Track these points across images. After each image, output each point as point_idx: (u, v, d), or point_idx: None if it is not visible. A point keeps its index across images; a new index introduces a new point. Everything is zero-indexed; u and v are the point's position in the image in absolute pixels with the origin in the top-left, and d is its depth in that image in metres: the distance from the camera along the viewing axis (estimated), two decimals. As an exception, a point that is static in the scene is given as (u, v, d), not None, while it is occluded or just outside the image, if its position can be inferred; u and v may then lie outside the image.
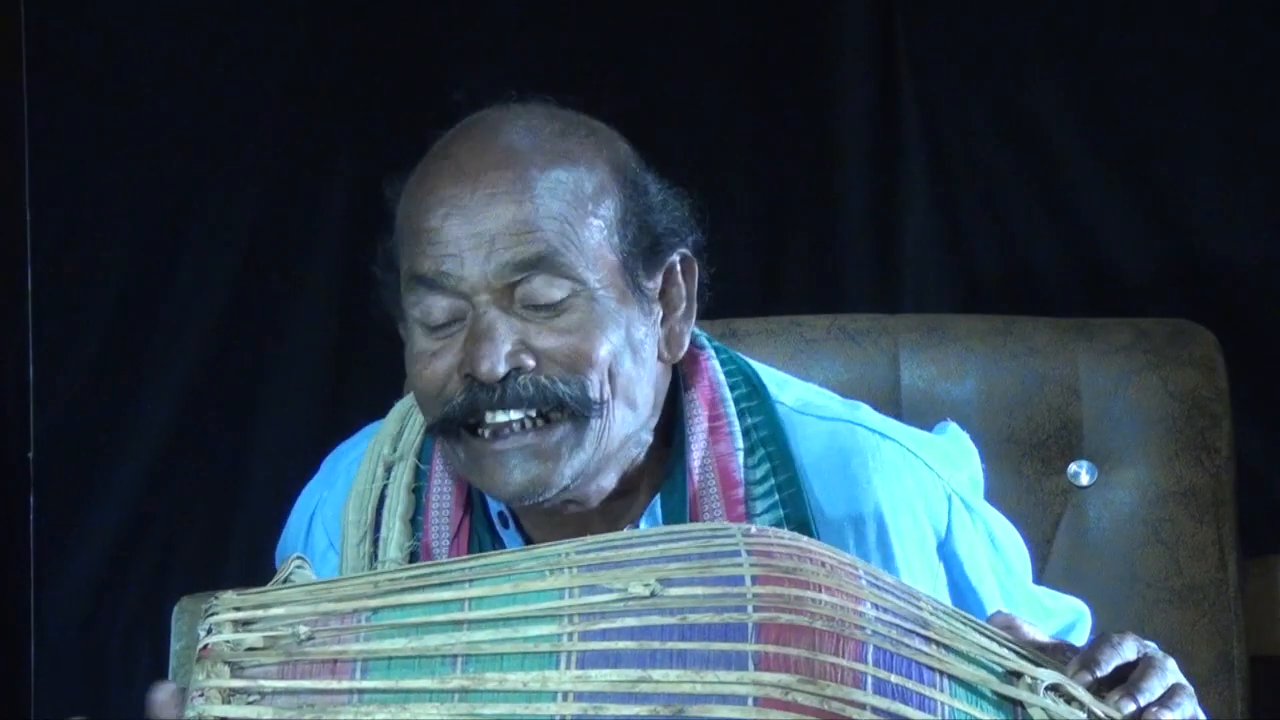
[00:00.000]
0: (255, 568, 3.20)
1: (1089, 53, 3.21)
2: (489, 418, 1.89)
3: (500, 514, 2.01)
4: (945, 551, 2.01)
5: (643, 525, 1.97)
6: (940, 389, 2.58)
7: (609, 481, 1.96)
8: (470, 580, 1.57)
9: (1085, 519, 2.57)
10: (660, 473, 1.99)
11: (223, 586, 1.61)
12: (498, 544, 2.01)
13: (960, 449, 2.10)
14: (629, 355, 1.92)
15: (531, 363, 1.88)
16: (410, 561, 1.99)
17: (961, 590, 2.02)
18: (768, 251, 3.22)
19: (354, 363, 3.34)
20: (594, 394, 1.89)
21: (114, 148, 3.30)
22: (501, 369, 1.87)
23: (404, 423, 2.08)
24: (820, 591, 1.53)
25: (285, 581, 1.62)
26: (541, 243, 1.88)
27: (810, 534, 1.92)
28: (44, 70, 3.29)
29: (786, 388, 2.06)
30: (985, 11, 3.22)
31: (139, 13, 3.29)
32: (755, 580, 1.53)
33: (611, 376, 1.90)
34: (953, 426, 2.13)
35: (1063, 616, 2.08)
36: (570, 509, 1.97)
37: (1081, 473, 2.58)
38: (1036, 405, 2.59)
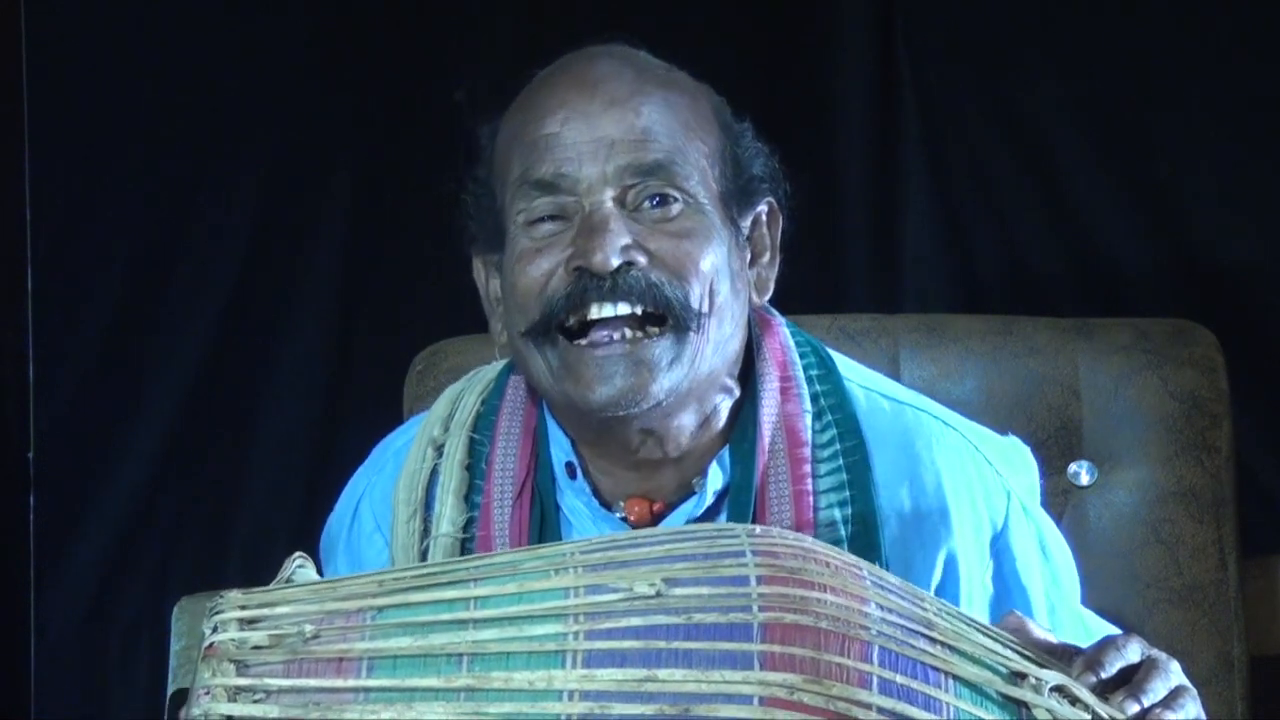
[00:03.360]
0: (255, 568, 3.19)
1: (1089, 53, 3.21)
2: (595, 311, 1.91)
3: (569, 464, 2.02)
4: (999, 546, 2.02)
5: (712, 472, 1.98)
6: (940, 389, 2.58)
7: (689, 421, 1.97)
8: (475, 580, 1.57)
9: (1085, 519, 2.57)
10: (731, 426, 2.01)
11: (223, 586, 1.61)
12: (561, 505, 2.03)
13: (1021, 457, 2.11)
14: (727, 278, 1.95)
15: (643, 260, 1.91)
16: (464, 532, 2.02)
17: (1010, 588, 2.03)
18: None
19: (354, 362, 3.34)
20: (695, 303, 1.92)
21: (114, 148, 3.30)
22: (615, 260, 1.90)
23: (455, 405, 2.10)
24: (825, 592, 1.53)
25: (288, 580, 1.62)
26: (660, 151, 1.92)
27: (873, 502, 1.97)
28: (44, 70, 3.29)
29: (854, 370, 2.09)
30: (985, 11, 3.22)
31: (139, 12, 3.29)
32: (760, 580, 1.53)
33: (712, 293, 1.93)
34: (1015, 438, 2.13)
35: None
36: (644, 453, 1.98)
37: (1081, 473, 2.58)
38: (1036, 405, 2.59)
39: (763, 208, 2.03)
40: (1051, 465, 2.56)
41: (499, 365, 2.12)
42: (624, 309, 1.91)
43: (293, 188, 3.32)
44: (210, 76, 3.29)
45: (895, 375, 2.59)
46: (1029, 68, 3.22)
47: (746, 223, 2.01)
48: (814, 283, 3.21)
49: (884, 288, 3.27)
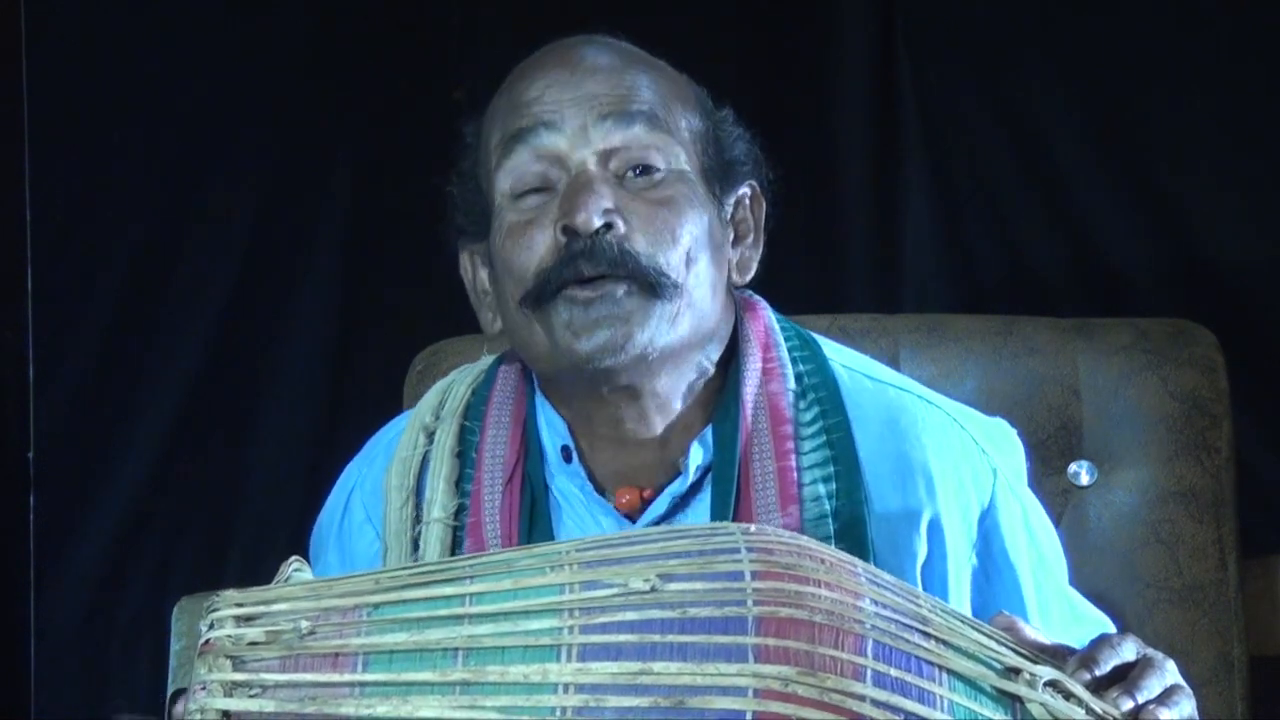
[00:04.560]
0: (255, 568, 3.19)
1: (1089, 53, 3.21)
2: (586, 271, 1.92)
3: (564, 448, 2.03)
4: (986, 524, 2.02)
5: (693, 450, 1.99)
6: (940, 389, 2.56)
7: (668, 386, 1.99)
8: (471, 577, 1.57)
9: (1085, 519, 2.57)
10: (715, 404, 2.02)
11: (222, 586, 1.61)
12: (552, 488, 2.04)
13: (1006, 437, 2.11)
14: (708, 250, 1.97)
15: (622, 227, 1.93)
16: (456, 517, 2.03)
17: (999, 565, 2.03)
18: (768, 251, 3.22)
19: (354, 362, 3.34)
20: (671, 272, 1.93)
21: (114, 147, 3.30)
22: (597, 221, 1.92)
23: (445, 394, 2.12)
24: (819, 587, 1.54)
25: (285, 581, 1.63)
26: (644, 104, 1.96)
27: (858, 477, 1.98)
28: (44, 70, 3.29)
29: (838, 351, 2.10)
30: (985, 12, 3.22)
31: (139, 12, 3.29)
32: (755, 575, 1.53)
33: (689, 262, 1.95)
34: (1000, 420, 2.14)
35: (1090, 625, 2.06)
36: (629, 424, 2.00)
37: (1081, 473, 2.58)
38: (1036, 405, 2.59)
39: (745, 190, 2.05)
40: (1051, 465, 2.56)
41: (489, 358, 2.14)
42: (604, 270, 1.93)
43: (293, 188, 3.33)
44: (210, 76, 3.30)
45: (895, 376, 2.59)
46: (1029, 68, 3.22)
47: (730, 202, 2.03)
48: (814, 283, 3.21)
49: (884, 288, 3.27)
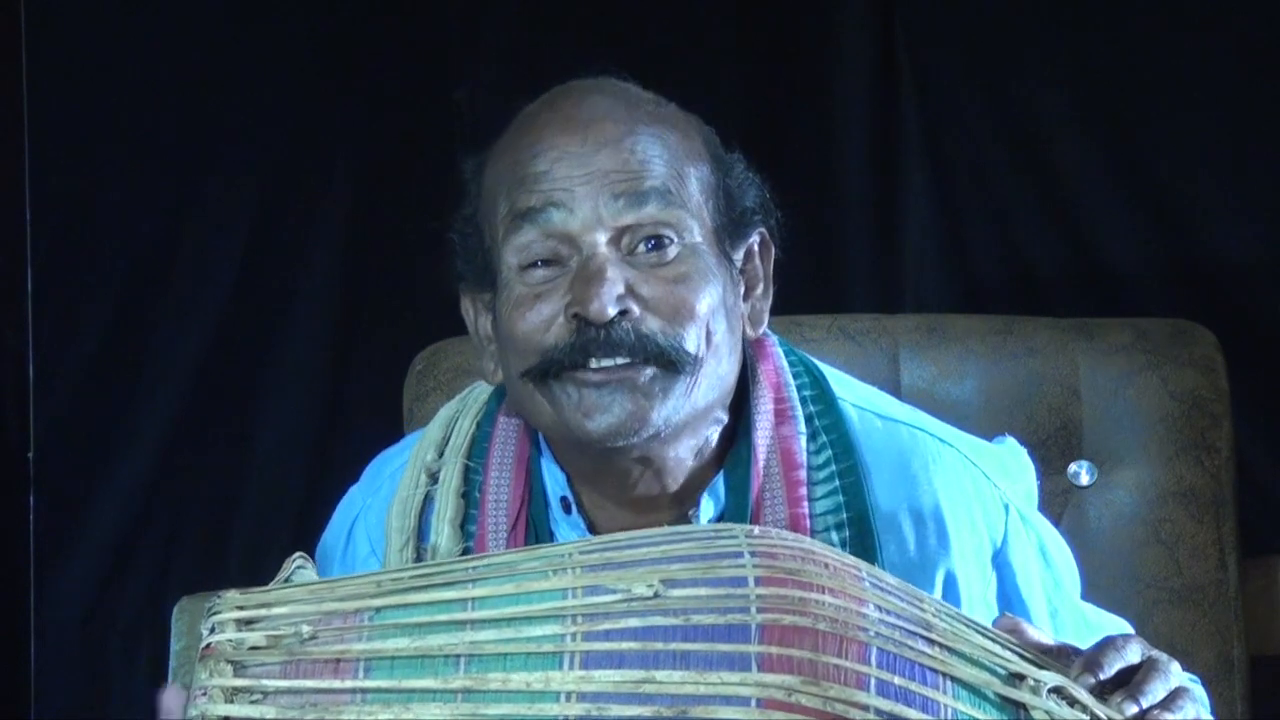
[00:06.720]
0: (255, 568, 3.20)
1: (1089, 52, 3.21)
2: (594, 363, 1.88)
3: (563, 499, 2.00)
4: (999, 561, 2.02)
5: (704, 501, 1.97)
6: (940, 389, 2.58)
7: (685, 453, 1.95)
8: (473, 580, 1.57)
9: (1085, 519, 2.57)
10: (724, 452, 1.99)
11: (223, 586, 1.61)
12: (555, 535, 2.01)
13: (1017, 462, 2.10)
14: (723, 317, 1.93)
15: (637, 310, 1.89)
16: None
17: (1011, 601, 2.02)
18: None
19: (354, 362, 3.34)
20: (691, 347, 1.89)
21: (114, 147, 3.30)
22: (611, 310, 1.87)
23: (449, 429, 2.08)
24: (823, 593, 1.53)
25: (287, 580, 1.62)
26: (655, 179, 1.90)
27: (869, 524, 1.96)
28: (44, 70, 3.29)
29: (849, 387, 2.07)
30: (985, 11, 3.22)
31: (139, 13, 3.29)
32: (758, 581, 1.53)
33: (708, 335, 1.91)
34: (1011, 440, 2.12)
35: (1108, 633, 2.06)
36: (641, 488, 1.96)
37: (1081, 473, 2.58)
38: (1036, 405, 2.59)
39: (754, 239, 2.00)
40: (1051, 465, 2.56)
41: (490, 388, 2.10)
42: (620, 359, 1.88)
43: (293, 188, 3.32)
44: (210, 77, 3.29)
45: (895, 375, 2.59)
46: (1029, 68, 3.22)
47: (739, 255, 1.98)
48: (814, 283, 3.21)
49: (884, 288, 3.26)
